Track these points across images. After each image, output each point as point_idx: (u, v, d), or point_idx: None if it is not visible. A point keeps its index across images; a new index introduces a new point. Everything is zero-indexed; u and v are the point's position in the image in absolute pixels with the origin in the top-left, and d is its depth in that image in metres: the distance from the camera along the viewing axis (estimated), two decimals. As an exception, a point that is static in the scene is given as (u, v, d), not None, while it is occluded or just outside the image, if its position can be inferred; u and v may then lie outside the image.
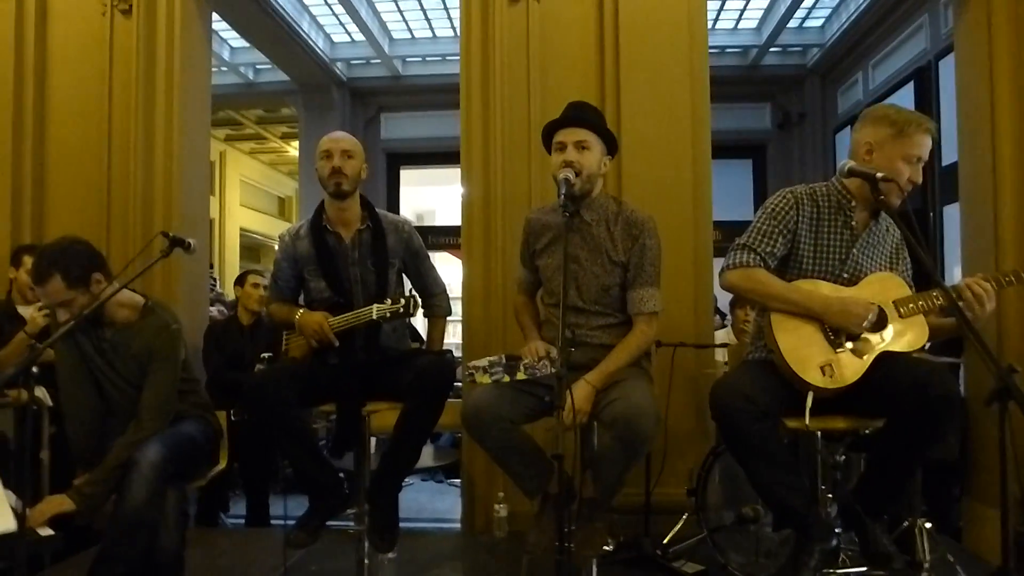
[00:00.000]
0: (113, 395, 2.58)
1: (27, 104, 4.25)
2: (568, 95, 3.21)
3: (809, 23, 8.23)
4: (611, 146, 2.60)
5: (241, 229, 12.02)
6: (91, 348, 2.55)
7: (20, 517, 2.07)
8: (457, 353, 4.51)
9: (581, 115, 2.59)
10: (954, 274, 5.58)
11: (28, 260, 3.81)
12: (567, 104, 2.67)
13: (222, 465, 2.70)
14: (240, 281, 4.70)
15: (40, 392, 3.07)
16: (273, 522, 4.42)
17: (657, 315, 2.54)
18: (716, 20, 8.03)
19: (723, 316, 5.84)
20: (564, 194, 2.34)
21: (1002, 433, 1.78)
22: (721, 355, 3.91)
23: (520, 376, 2.36)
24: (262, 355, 4.35)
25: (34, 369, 2.06)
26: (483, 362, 2.40)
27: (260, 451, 4.40)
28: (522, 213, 2.95)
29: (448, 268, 7.52)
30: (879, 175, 2.20)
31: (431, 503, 5.46)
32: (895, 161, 2.27)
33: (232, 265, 11.22)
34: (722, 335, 4.47)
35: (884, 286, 2.33)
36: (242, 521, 4.54)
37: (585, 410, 2.32)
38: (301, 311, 2.71)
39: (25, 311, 3.66)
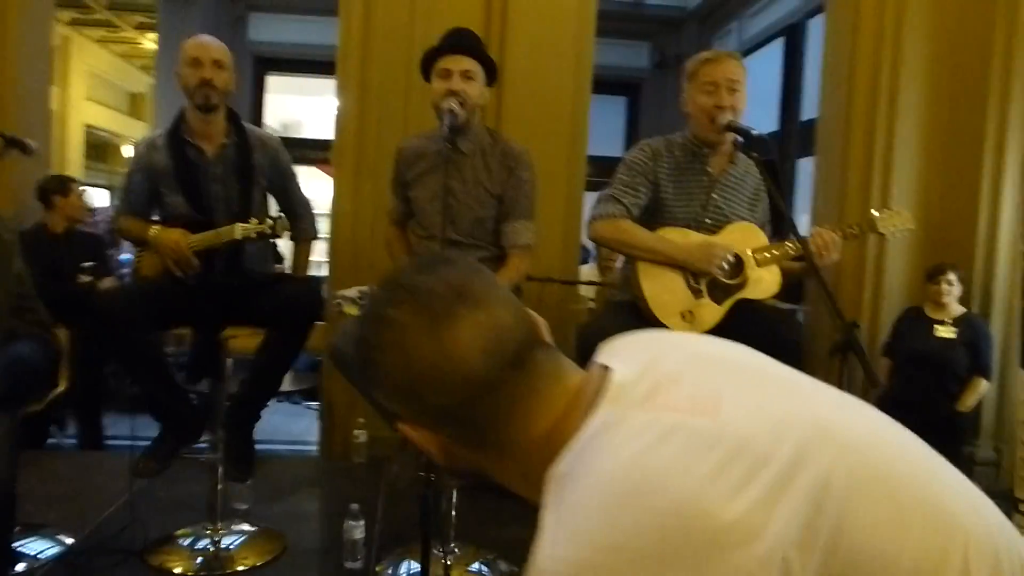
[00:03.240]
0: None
1: None
2: (453, 17, 3.09)
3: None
4: (491, 77, 2.54)
5: (86, 125, 11.05)
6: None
7: None
8: (322, 273, 4.38)
9: (467, 43, 2.51)
10: (801, 222, 5.95)
11: None
12: (450, 31, 2.57)
13: (62, 388, 2.52)
14: (63, 190, 4.23)
15: None
16: (108, 443, 4.23)
17: (531, 248, 2.55)
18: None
19: (586, 251, 5.97)
20: (448, 125, 2.27)
21: (840, 384, 1.92)
22: (585, 291, 4.00)
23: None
24: (83, 264, 4.09)
25: None
26: (352, 292, 2.34)
27: (92, 368, 4.16)
28: (397, 133, 2.85)
29: (314, 184, 7.24)
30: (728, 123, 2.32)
31: (286, 425, 5.38)
32: (695, 99, 2.42)
33: (75, 164, 10.32)
34: (587, 271, 4.57)
35: (744, 235, 2.45)
36: (72, 442, 4.31)
37: None
38: (155, 228, 2.53)
39: None
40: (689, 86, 2.45)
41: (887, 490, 0.71)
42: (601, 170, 3.86)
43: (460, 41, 2.51)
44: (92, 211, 5.10)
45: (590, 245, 4.55)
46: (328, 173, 7.36)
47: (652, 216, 2.44)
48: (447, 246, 2.34)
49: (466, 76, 2.44)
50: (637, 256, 2.37)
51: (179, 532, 2.65)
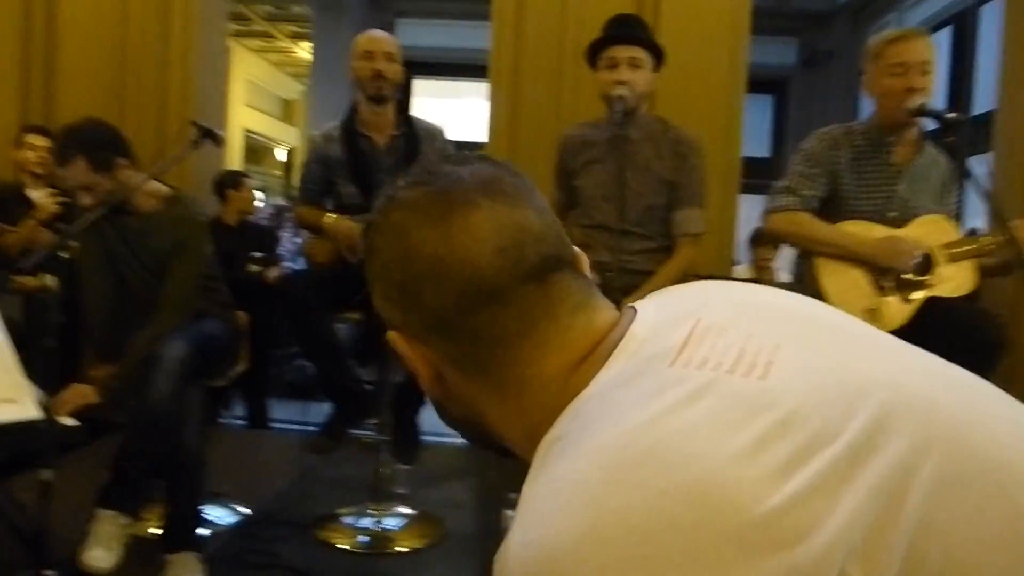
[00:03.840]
0: (135, 285, 2.51)
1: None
2: (607, 9, 3.07)
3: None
4: (659, 62, 2.50)
5: (245, 130, 11.77)
6: (115, 237, 2.47)
7: (44, 406, 2.04)
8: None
9: (633, 31, 2.49)
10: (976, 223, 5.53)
11: (33, 139, 3.69)
12: (613, 18, 2.56)
13: (243, 366, 2.66)
14: (236, 184, 4.52)
15: (49, 280, 3.01)
16: (272, 425, 4.45)
17: (700, 237, 2.49)
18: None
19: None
20: (619, 111, 2.25)
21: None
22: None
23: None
24: (252, 254, 4.31)
25: (64, 255, 1.99)
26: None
27: (260, 352, 4.39)
28: (550, 131, 2.84)
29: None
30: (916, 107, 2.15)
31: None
32: (881, 81, 2.25)
33: (234, 166, 11.01)
34: (741, 271, 4.43)
35: (933, 228, 2.28)
36: (239, 422, 4.56)
37: None
38: (331, 216, 2.63)
39: (34, 195, 3.56)
40: (873, 68, 2.29)
41: (997, 487, 0.52)
42: (748, 171, 3.74)
43: (626, 29, 2.49)
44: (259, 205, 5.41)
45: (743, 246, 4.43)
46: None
47: (830, 209, 2.32)
48: (618, 237, 2.31)
49: (633, 64, 2.41)
50: (816, 251, 2.25)
51: (342, 510, 2.75)
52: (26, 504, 2.10)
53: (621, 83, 2.36)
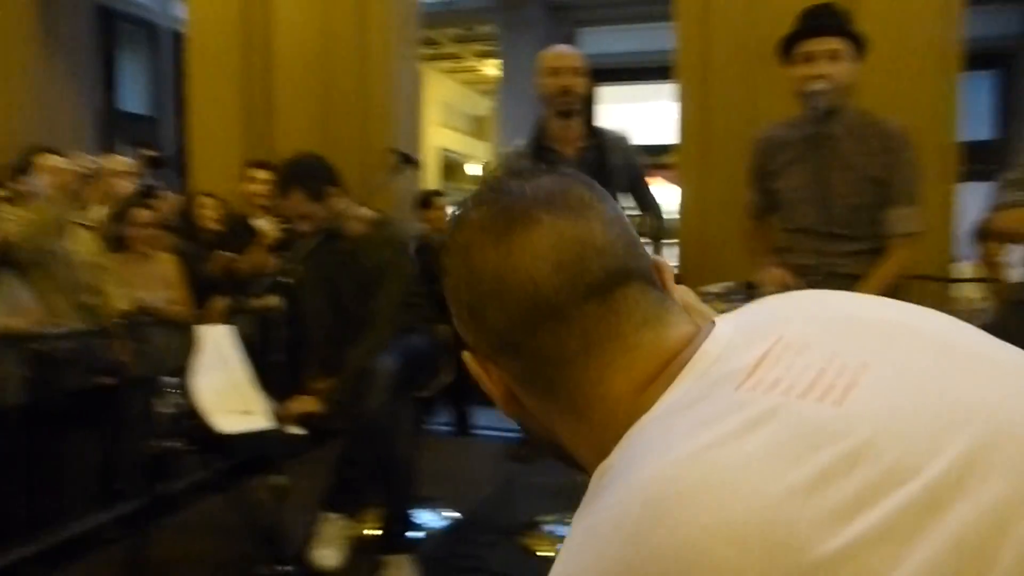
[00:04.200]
0: (348, 304, 2.71)
1: (254, 26, 4.45)
2: (797, 3, 2.91)
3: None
4: (860, 51, 2.33)
5: (441, 149, 12.36)
6: (330, 261, 2.68)
7: (273, 416, 2.25)
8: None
9: (831, 21, 2.33)
10: None
11: (256, 173, 4.08)
12: (807, 9, 2.41)
13: (448, 378, 2.78)
14: (427, 203, 4.73)
15: (275, 301, 3.32)
16: (476, 432, 4.60)
17: (915, 237, 2.29)
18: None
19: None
20: (816, 108, 2.12)
21: None
22: (964, 289, 3.53)
23: (759, 304, 2.22)
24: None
25: (285, 280, 2.19)
26: (717, 287, 2.28)
27: (462, 363, 4.54)
28: (743, 130, 2.73)
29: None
30: None
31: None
32: None
33: (431, 184, 11.60)
34: (964, 269, 4.04)
35: None
36: (445, 429, 4.76)
37: None
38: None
39: (259, 223, 3.94)
40: None
41: None
42: (970, 157, 3.40)
43: (822, 20, 2.34)
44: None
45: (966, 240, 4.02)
46: (660, 178, 7.43)
47: None
48: (823, 239, 2.18)
49: (832, 56, 2.26)
50: None
51: (543, 518, 2.79)
52: (261, 505, 2.33)
53: (819, 78, 2.23)
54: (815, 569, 0.41)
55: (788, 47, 2.36)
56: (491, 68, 11.58)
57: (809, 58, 2.28)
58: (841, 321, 0.59)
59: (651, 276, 0.64)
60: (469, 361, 0.68)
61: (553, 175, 0.65)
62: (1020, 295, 2.20)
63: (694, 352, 0.57)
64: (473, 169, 13.07)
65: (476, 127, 14.11)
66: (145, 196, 3.44)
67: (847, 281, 2.26)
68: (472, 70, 12.59)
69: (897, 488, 0.44)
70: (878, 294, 2.18)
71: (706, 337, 0.58)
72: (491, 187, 0.66)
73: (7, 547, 2.61)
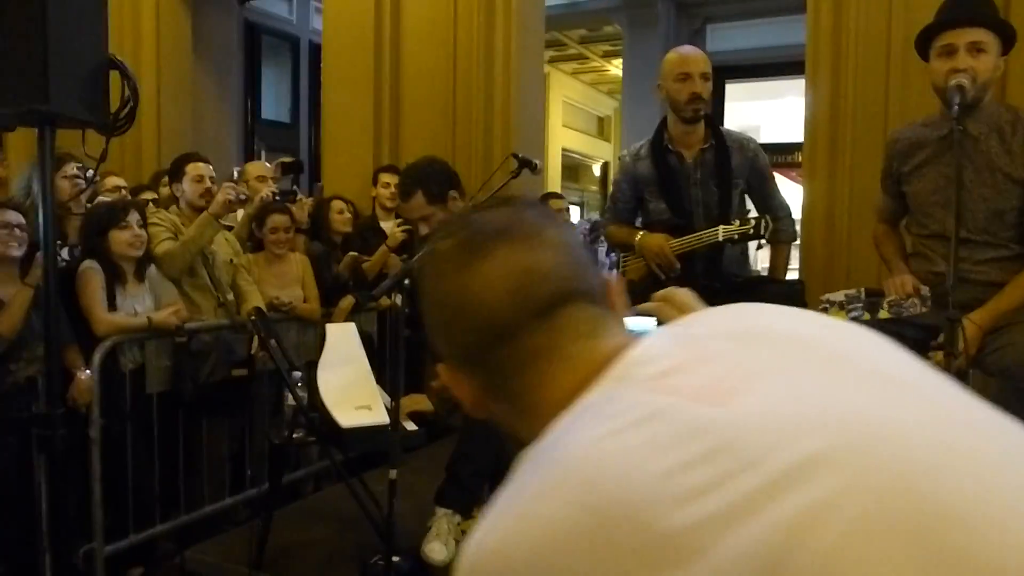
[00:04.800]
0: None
1: (384, 34, 4.61)
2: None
3: None
4: (1008, 43, 2.15)
5: (563, 149, 12.39)
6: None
7: (390, 411, 2.32)
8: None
9: (973, 11, 2.16)
10: None
11: (385, 178, 4.23)
12: (948, -1, 2.24)
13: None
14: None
15: (398, 300, 3.42)
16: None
17: None
18: None
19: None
20: (958, 104, 1.97)
21: None
22: None
23: (883, 315, 2.11)
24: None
25: (406, 281, 2.26)
26: (839, 296, 2.18)
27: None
28: (876, 127, 2.60)
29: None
30: None
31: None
32: None
33: (554, 184, 11.63)
34: None
35: None
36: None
37: (970, 354, 2.00)
38: (641, 233, 2.67)
39: (386, 226, 4.08)
40: None
41: (932, 538, 0.49)
42: None
43: (964, 11, 2.17)
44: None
45: None
46: (788, 177, 7.16)
47: None
48: (959, 245, 2.04)
49: (975, 48, 2.10)
50: None
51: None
52: (376, 497, 2.41)
53: (959, 71, 2.07)
54: (662, 539, 0.51)
55: (927, 39, 2.21)
56: (616, 68, 11.50)
57: (950, 51, 2.13)
58: (757, 334, 0.68)
59: (595, 294, 0.73)
60: (443, 372, 0.77)
61: (510, 207, 0.76)
62: None
63: (620, 360, 0.67)
64: (596, 170, 13.03)
65: (600, 127, 14.04)
66: (283, 201, 3.62)
67: (986, 289, 2.10)
68: (597, 70, 12.56)
69: (741, 476, 0.52)
70: (1020, 304, 2.03)
71: (632, 347, 0.67)
72: (460, 218, 0.77)
73: (146, 524, 2.83)
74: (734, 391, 0.58)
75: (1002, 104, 2.24)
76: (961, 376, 2.18)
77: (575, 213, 11.02)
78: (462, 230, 0.74)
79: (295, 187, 4.25)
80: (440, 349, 0.76)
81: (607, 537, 0.52)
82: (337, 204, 4.14)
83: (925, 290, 2.10)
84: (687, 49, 2.73)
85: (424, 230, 2.65)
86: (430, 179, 2.58)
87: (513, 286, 0.70)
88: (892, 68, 3.33)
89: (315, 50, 7.36)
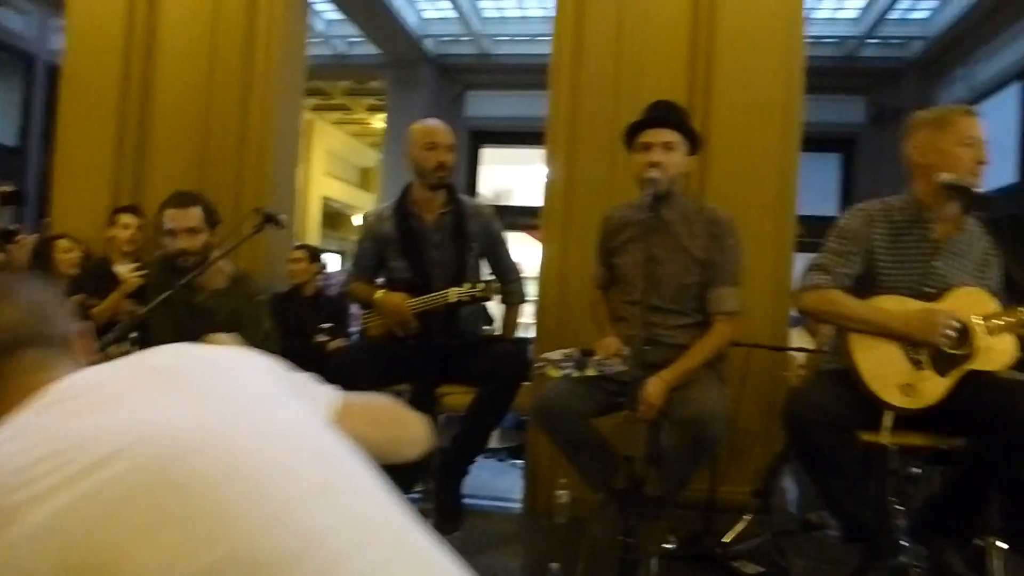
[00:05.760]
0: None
1: (134, 71, 4.36)
2: (658, 82, 3.13)
3: (914, 14, 7.90)
4: (694, 145, 2.57)
5: (324, 198, 12.30)
6: (184, 312, 2.67)
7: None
8: (530, 334, 4.53)
9: (667, 115, 2.56)
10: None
11: (124, 219, 3.99)
12: (652, 104, 2.64)
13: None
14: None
15: (130, 348, 3.24)
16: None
17: (735, 315, 2.52)
18: (814, 9, 7.79)
19: (795, 317, 5.68)
20: (651, 194, 2.33)
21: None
22: (796, 355, 3.82)
23: (590, 372, 2.38)
24: (321, 325, 4.52)
25: (133, 334, 2.18)
26: (556, 355, 2.42)
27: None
28: (603, 201, 2.89)
29: (524, 249, 7.53)
30: (949, 180, 2.17)
31: (492, 481, 5.51)
32: (952, 149, 2.24)
33: (313, 232, 11.49)
34: (795, 335, 4.37)
35: (970, 301, 2.25)
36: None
37: (657, 406, 2.32)
38: (380, 292, 2.78)
39: (119, 270, 3.84)
40: (938, 136, 2.27)
41: (183, 496, 0.70)
42: (815, 230, 3.71)
43: (660, 114, 2.57)
44: (326, 275, 5.66)
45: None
46: (537, 239, 7.65)
47: (864, 283, 2.33)
48: (650, 312, 2.37)
49: (667, 147, 2.47)
50: (850, 327, 2.27)
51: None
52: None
53: (654, 165, 2.44)
54: (5, 510, 0.68)
55: (631, 135, 2.58)
56: (380, 122, 11.70)
57: (647, 147, 2.50)
58: (151, 370, 0.87)
59: (52, 340, 0.92)
60: None
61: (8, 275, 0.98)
62: (830, 364, 2.43)
63: (47, 389, 0.83)
64: (358, 220, 13.06)
65: (362, 178, 14.15)
66: (1, 239, 3.31)
67: (674, 350, 2.45)
68: (361, 122, 12.69)
69: (60, 468, 0.70)
70: (703, 361, 2.39)
71: (61, 381, 0.84)
72: None
73: None
74: (92, 409, 0.78)
75: (690, 197, 2.65)
76: (654, 427, 2.52)
77: (335, 262, 10.93)
78: None
79: (17, 224, 3.89)
80: None
81: None
82: (63, 243, 3.84)
83: (626, 350, 2.38)
84: (433, 122, 2.93)
85: (181, 244, 2.55)
86: (208, 203, 2.64)
87: None
88: (617, 150, 3.72)
89: (52, 71, 6.77)
